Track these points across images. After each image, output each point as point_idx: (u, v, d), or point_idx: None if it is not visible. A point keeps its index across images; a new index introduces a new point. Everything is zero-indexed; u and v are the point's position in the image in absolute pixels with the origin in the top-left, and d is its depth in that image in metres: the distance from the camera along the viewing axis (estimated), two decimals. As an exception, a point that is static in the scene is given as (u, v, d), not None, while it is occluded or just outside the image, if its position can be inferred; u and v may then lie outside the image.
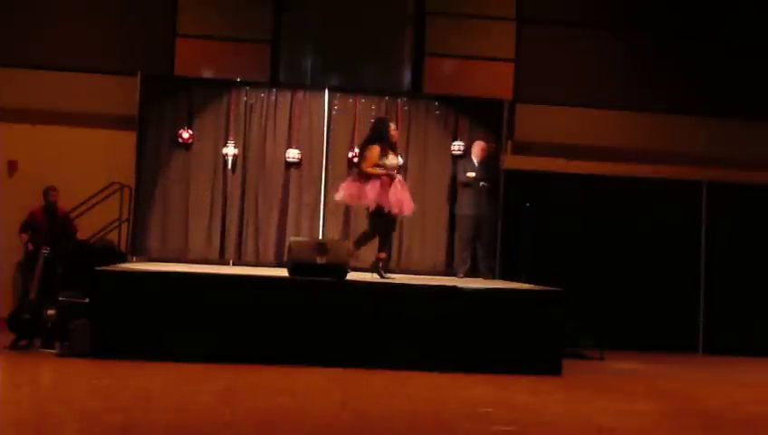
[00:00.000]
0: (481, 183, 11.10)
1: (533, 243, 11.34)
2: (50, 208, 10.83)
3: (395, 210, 9.19)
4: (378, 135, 9.26)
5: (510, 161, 11.85)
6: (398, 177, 9.25)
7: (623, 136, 12.33)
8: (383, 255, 9.45)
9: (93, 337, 8.33)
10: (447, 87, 12.05)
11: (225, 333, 8.40)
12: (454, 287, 8.87)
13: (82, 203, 10.75)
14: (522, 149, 12.17)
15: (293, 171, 11.38)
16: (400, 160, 9.21)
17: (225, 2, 12.03)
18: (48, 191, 10.82)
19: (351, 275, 9.08)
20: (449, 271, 11.23)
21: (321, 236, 11.10)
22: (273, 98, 11.45)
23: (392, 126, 9.40)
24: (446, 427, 6.33)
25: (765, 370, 10.67)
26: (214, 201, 11.30)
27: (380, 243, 9.42)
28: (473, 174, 11.09)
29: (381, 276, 9.23)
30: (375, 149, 9.14)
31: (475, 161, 11.18)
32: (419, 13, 12.43)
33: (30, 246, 10.47)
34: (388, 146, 9.21)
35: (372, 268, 9.36)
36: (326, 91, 11.47)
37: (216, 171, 11.32)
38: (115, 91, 11.58)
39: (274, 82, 11.86)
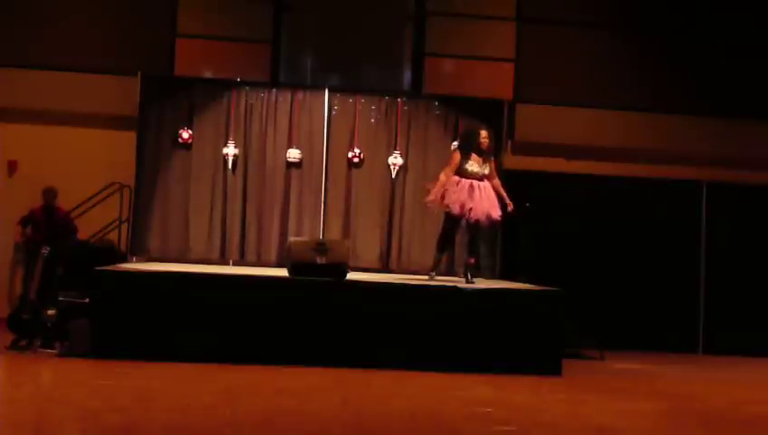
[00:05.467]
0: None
1: (533, 243, 11.34)
2: (48, 209, 10.84)
3: (455, 211, 9.16)
4: (463, 143, 9.38)
5: (510, 161, 11.85)
6: (483, 183, 9.14)
7: (623, 136, 12.33)
8: (471, 260, 9.46)
9: (93, 337, 8.33)
10: (447, 87, 12.05)
11: (225, 333, 8.40)
12: (454, 287, 8.87)
13: (82, 203, 10.76)
14: (522, 149, 12.17)
15: (294, 171, 11.38)
16: (487, 169, 9.17)
17: (226, 2, 12.02)
18: (46, 193, 10.82)
19: (351, 275, 9.08)
20: (450, 271, 11.21)
21: (321, 236, 11.10)
22: (273, 98, 11.45)
23: (482, 133, 9.26)
24: (446, 427, 6.33)
25: (765, 370, 10.67)
26: (214, 201, 11.29)
27: (468, 248, 9.66)
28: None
29: (466, 281, 9.23)
30: (454, 156, 9.30)
31: None
32: (419, 13, 12.44)
33: (20, 240, 10.53)
34: (477, 153, 9.17)
35: (463, 273, 9.56)
36: (326, 91, 11.46)
37: (216, 171, 11.31)
38: (115, 91, 11.57)
39: (274, 82, 11.86)
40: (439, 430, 6.26)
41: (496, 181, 9.36)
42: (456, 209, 9.16)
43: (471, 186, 9.11)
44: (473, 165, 9.14)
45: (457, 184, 9.12)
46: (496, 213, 9.17)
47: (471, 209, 9.08)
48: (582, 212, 11.78)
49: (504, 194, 9.36)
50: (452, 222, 9.35)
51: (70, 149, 11.61)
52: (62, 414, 6.16)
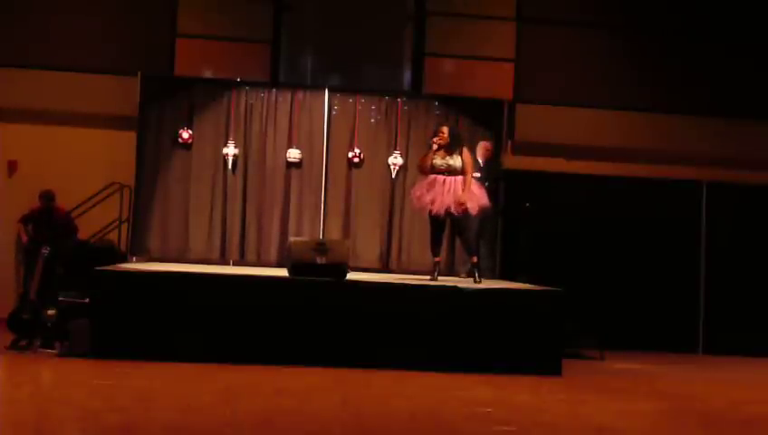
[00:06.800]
0: (486, 183, 11.07)
1: (533, 243, 11.34)
2: (48, 210, 10.83)
3: (414, 203, 9.31)
4: (429, 141, 9.39)
5: (510, 161, 11.85)
6: (450, 177, 9.11)
7: (623, 136, 12.33)
8: (474, 259, 9.39)
9: (93, 337, 8.33)
10: (447, 87, 12.05)
11: (225, 332, 8.40)
12: (454, 287, 8.87)
13: (82, 203, 10.77)
14: (522, 149, 12.17)
15: (294, 171, 11.39)
16: (452, 161, 9.15)
17: (225, 2, 12.02)
18: (42, 197, 10.80)
19: (351, 275, 9.08)
20: (450, 271, 11.21)
21: (321, 236, 11.10)
22: (273, 98, 11.45)
23: (441, 129, 9.30)
24: (446, 427, 6.33)
25: (765, 370, 10.67)
26: (214, 201, 11.30)
27: (463, 247, 9.78)
28: (478, 174, 11.06)
29: (474, 281, 9.19)
30: (422, 156, 9.40)
31: (480, 162, 11.15)
32: (419, 13, 12.43)
33: (24, 239, 10.56)
34: (444, 148, 9.17)
35: (467, 274, 9.49)
36: (326, 91, 11.47)
37: (216, 171, 11.32)
38: (115, 91, 11.57)
39: (274, 82, 11.86)
40: (439, 430, 6.26)
41: (466, 177, 9.22)
42: (415, 204, 9.33)
43: (434, 180, 9.14)
44: (436, 159, 9.18)
45: (433, 184, 9.17)
46: (458, 207, 9.08)
47: (432, 202, 9.09)
48: (582, 212, 11.78)
49: (465, 188, 9.14)
50: (431, 223, 9.36)
51: (70, 149, 11.62)
52: (62, 414, 6.16)
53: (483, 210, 9.49)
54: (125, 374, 7.57)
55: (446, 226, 9.60)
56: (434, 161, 9.17)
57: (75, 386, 7.26)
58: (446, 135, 9.21)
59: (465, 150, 9.33)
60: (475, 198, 9.19)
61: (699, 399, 8.16)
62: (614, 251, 11.80)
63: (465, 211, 9.15)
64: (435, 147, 9.19)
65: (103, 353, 8.20)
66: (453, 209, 9.08)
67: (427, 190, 9.14)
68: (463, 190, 9.13)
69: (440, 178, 9.14)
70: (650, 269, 11.88)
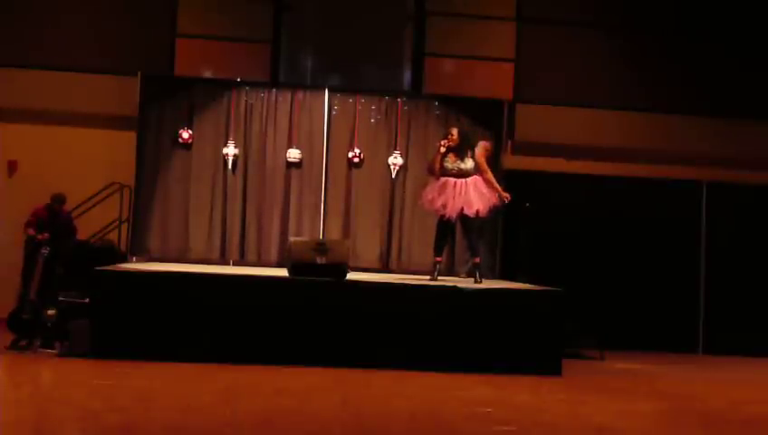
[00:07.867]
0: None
1: (533, 243, 11.34)
2: (52, 211, 10.82)
3: (426, 207, 9.29)
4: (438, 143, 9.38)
5: (510, 161, 11.85)
6: (462, 180, 9.09)
7: (623, 136, 12.33)
8: (476, 259, 9.39)
9: (93, 337, 8.34)
10: (447, 87, 12.05)
11: (225, 332, 8.41)
12: (454, 287, 8.87)
13: (82, 203, 10.77)
14: (522, 149, 12.17)
15: (294, 171, 11.39)
16: (463, 164, 9.13)
17: (225, 2, 12.02)
18: (54, 198, 10.78)
19: (351, 275, 9.08)
20: (450, 271, 11.21)
21: (321, 236, 11.10)
22: (273, 98, 11.45)
23: (451, 131, 9.29)
24: (446, 427, 6.33)
25: (765, 370, 10.67)
26: (214, 201, 11.30)
27: (468, 247, 9.74)
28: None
29: (475, 281, 9.19)
30: (431, 157, 9.38)
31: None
32: (419, 13, 12.44)
33: (39, 237, 10.49)
34: (454, 151, 9.16)
35: (467, 274, 9.42)
36: (326, 91, 11.47)
37: (216, 171, 11.32)
38: (115, 91, 11.58)
39: (274, 82, 11.87)
40: (439, 430, 6.26)
41: (486, 176, 9.25)
42: (426, 207, 9.30)
43: (445, 183, 9.13)
44: (447, 162, 9.17)
45: (444, 185, 9.14)
46: (470, 209, 9.05)
47: (444, 206, 9.08)
48: (582, 212, 11.78)
49: (497, 187, 9.25)
50: (438, 222, 9.35)
51: (70, 149, 11.62)
52: (62, 414, 6.16)
53: (493, 210, 9.47)
54: (125, 374, 7.58)
55: (454, 229, 9.60)
56: (445, 164, 9.14)
57: (75, 386, 7.27)
58: (455, 137, 9.20)
59: (476, 152, 9.34)
60: (485, 198, 9.19)
61: (699, 399, 8.17)
62: (614, 251, 11.80)
63: (479, 212, 9.14)
64: (443, 149, 9.17)
65: (103, 353, 8.20)
66: (467, 211, 9.04)
67: (439, 194, 9.11)
68: (491, 189, 9.16)
69: (451, 180, 9.11)
70: (650, 269, 11.89)
